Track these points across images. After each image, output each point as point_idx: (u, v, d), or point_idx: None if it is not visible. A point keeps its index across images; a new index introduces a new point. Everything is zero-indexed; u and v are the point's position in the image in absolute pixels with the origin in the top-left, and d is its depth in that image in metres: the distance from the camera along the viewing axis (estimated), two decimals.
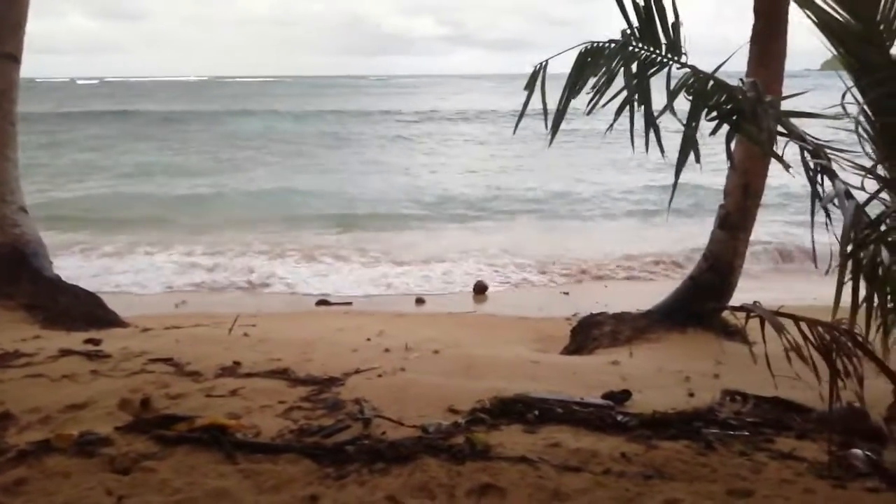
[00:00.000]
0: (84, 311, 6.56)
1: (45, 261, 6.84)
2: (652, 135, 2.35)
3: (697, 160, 2.30)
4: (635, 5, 2.43)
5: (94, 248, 11.96)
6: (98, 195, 17.86)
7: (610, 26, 2.64)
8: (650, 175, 18.82)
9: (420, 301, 9.32)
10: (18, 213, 6.69)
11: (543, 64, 2.61)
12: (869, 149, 2.21)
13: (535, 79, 2.61)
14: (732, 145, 2.50)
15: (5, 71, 6.65)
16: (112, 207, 16.04)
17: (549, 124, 2.48)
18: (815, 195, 2.15)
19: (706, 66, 2.47)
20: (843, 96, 2.14)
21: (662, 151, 2.32)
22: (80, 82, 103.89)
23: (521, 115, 2.63)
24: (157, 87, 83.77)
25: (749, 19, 5.90)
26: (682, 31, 2.43)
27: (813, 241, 2.14)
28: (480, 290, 9.85)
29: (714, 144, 2.66)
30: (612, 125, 2.40)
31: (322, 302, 9.10)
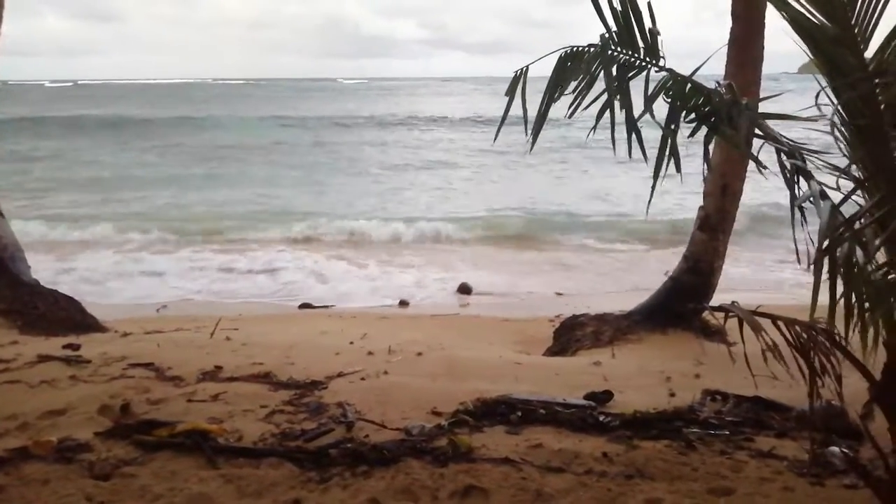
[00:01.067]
0: (63, 315, 6.49)
1: (23, 265, 6.76)
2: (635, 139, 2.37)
3: (678, 169, 2.33)
4: (613, 11, 2.45)
5: None
6: None
7: (591, 30, 2.66)
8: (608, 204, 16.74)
9: (404, 303, 9.31)
10: None
11: (524, 69, 2.63)
12: (844, 150, 2.25)
13: (516, 84, 2.62)
14: (711, 147, 2.53)
15: None
16: None
17: (529, 131, 2.49)
18: (792, 196, 2.18)
19: (685, 69, 2.51)
20: (817, 97, 2.17)
21: (644, 154, 2.34)
22: (48, 85, 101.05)
23: (503, 121, 2.64)
24: (127, 91, 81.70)
25: (728, 22, 5.96)
26: (660, 34, 2.46)
27: (795, 240, 2.17)
28: (464, 291, 9.87)
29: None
30: (593, 128, 2.42)
31: (305, 305, 9.06)
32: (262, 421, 3.41)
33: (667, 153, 2.32)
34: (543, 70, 2.68)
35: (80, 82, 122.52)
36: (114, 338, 5.84)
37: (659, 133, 2.38)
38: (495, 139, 2.95)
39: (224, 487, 2.65)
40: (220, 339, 5.59)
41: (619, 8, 2.41)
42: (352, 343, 5.82)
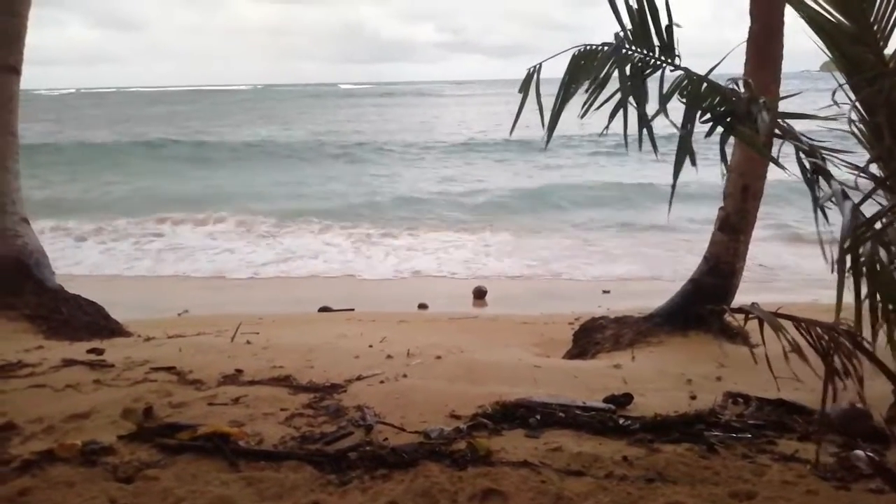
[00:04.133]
0: (87, 320, 6.58)
1: (47, 271, 6.87)
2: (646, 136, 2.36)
3: (693, 163, 2.31)
4: (629, 8, 2.43)
5: None
6: None
7: (609, 32, 2.65)
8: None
9: (423, 306, 9.33)
10: (21, 223, 6.72)
11: (537, 67, 2.63)
12: (863, 148, 2.23)
13: (530, 81, 2.62)
14: (729, 148, 2.51)
15: (6, 83, 6.69)
16: None
17: (545, 124, 2.49)
18: (814, 196, 2.16)
19: (703, 69, 2.48)
20: (834, 94, 2.15)
21: (656, 151, 2.33)
22: (43, 93, 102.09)
23: (517, 117, 2.64)
24: (124, 98, 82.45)
25: (747, 21, 5.91)
26: (677, 33, 2.45)
27: (821, 240, 2.14)
28: (479, 295, 9.88)
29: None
30: (606, 127, 2.42)
31: (324, 308, 9.11)
32: (283, 424, 3.44)
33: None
34: (556, 72, 2.69)
35: (101, 90, 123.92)
36: (136, 342, 5.91)
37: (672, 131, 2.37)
38: (511, 132, 2.94)
39: (245, 490, 2.67)
40: (241, 343, 5.64)
41: (634, 5, 2.40)
42: (371, 346, 5.84)
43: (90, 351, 5.08)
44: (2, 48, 6.65)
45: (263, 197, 19.06)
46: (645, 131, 2.31)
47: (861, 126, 2.17)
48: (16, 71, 6.74)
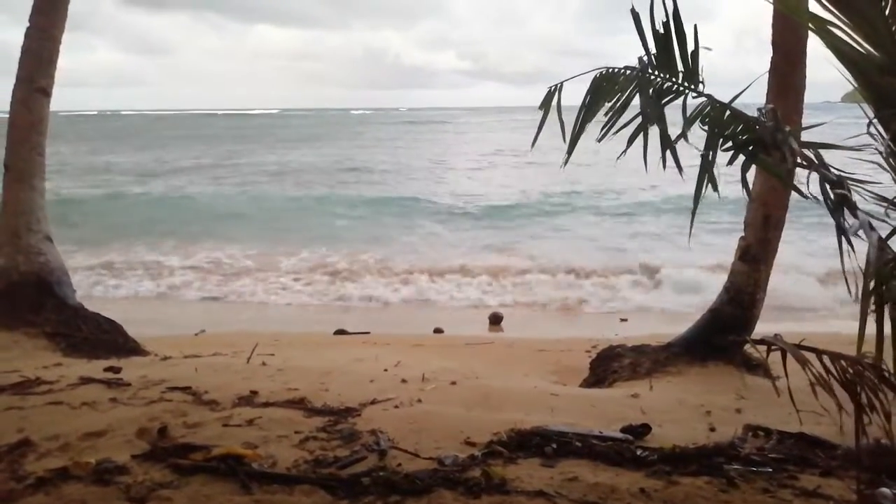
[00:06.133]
0: (106, 339, 6.64)
1: (68, 289, 6.95)
2: (670, 157, 2.35)
3: (715, 189, 2.29)
4: (655, 32, 2.43)
5: None
6: None
7: (630, 59, 2.66)
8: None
9: (438, 330, 9.30)
10: (44, 241, 6.81)
11: (559, 85, 2.64)
12: (891, 180, 2.19)
13: (550, 99, 2.63)
14: (750, 176, 2.49)
15: (37, 105, 6.83)
16: None
17: (567, 140, 2.50)
18: (839, 226, 2.12)
19: (724, 97, 2.47)
20: (869, 127, 2.12)
21: (681, 171, 2.31)
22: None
23: (538, 134, 2.65)
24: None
25: (769, 50, 5.90)
26: (707, 50, 2.43)
27: (844, 271, 2.11)
28: (495, 321, 9.85)
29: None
30: (625, 151, 2.41)
31: (340, 331, 9.10)
32: (296, 447, 3.42)
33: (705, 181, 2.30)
34: (575, 99, 2.69)
35: (123, 112, 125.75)
36: (153, 361, 5.94)
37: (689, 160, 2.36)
38: (532, 146, 2.93)
39: None
40: (257, 364, 5.64)
41: (661, 30, 2.40)
42: (386, 370, 5.82)
43: (107, 369, 5.11)
44: (34, 70, 6.80)
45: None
46: (669, 153, 2.30)
47: (891, 159, 2.14)
48: (46, 93, 6.88)
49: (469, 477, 2.97)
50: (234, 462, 3.02)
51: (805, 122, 5.56)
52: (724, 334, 6.02)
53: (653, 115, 2.34)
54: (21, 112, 6.79)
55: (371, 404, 4.30)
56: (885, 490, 2.85)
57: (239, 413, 3.94)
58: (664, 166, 2.33)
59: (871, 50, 2.10)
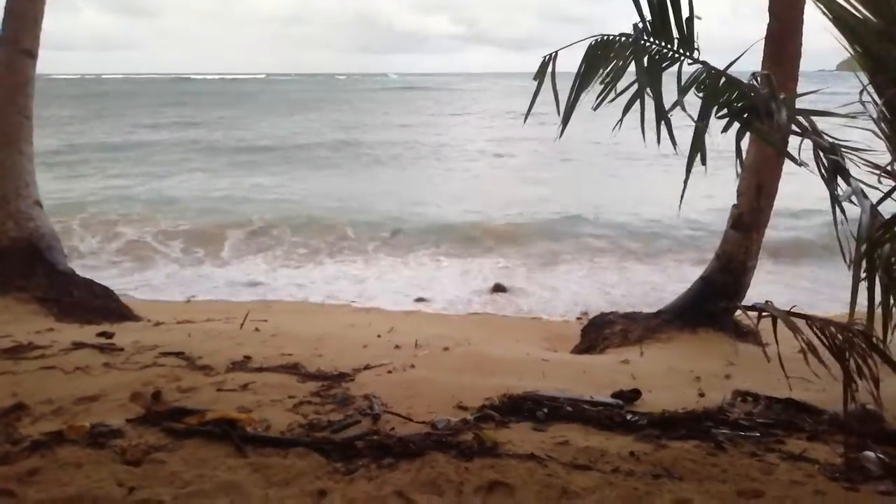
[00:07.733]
0: (97, 304, 6.63)
1: (59, 254, 6.91)
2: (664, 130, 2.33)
3: (703, 162, 2.28)
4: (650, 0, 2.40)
5: None
6: None
7: (625, 26, 2.62)
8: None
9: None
10: (33, 207, 6.76)
11: (553, 55, 2.60)
12: (885, 147, 2.19)
13: (545, 69, 2.59)
14: (744, 144, 2.48)
15: (22, 66, 6.72)
16: None
17: (560, 112, 2.47)
18: (832, 194, 2.12)
19: (720, 64, 2.45)
20: (861, 94, 2.11)
21: (675, 145, 2.30)
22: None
23: (531, 105, 2.62)
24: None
25: (765, 18, 5.85)
26: (696, 26, 2.41)
27: (839, 239, 2.12)
28: (499, 290, 9.91)
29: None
30: (620, 121, 2.39)
31: None
32: (290, 411, 3.45)
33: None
34: (571, 66, 2.65)
35: (113, 76, 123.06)
36: (146, 327, 5.95)
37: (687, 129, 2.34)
38: (525, 121, 2.91)
39: (252, 476, 2.68)
40: (250, 330, 5.66)
41: None
42: (379, 336, 5.85)
43: (100, 334, 5.11)
44: (18, 32, 6.67)
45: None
46: (664, 125, 2.28)
47: (883, 125, 2.14)
48: (31, 55, 6.76)
49: (461, 440, 3.01)
50: (229, 426, 3.04)
51: (799, 90, 5.55)
52: (714, 301, 6.07)
53: (648, 82, 2.31)
54: (6, 74, 6.68)
55: (364, 369, 4.33)
56: (870, 454, 2.91)
57: (233, 378, 3.96)
58: (658, 140, 2.31)
59: (869, 15, 2.08)
